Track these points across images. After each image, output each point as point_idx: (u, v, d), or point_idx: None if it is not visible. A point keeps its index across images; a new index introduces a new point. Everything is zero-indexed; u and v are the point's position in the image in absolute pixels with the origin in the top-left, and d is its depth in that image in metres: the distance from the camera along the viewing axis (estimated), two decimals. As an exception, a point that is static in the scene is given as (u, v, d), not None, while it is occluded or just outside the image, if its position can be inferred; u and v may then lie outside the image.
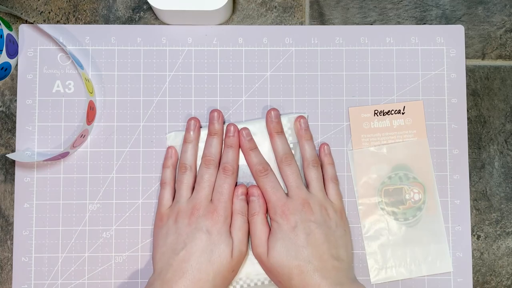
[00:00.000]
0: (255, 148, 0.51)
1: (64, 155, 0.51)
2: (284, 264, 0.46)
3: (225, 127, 0.52)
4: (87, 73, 0.53)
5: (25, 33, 0.54)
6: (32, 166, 0.52)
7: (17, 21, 0.54)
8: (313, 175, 0.50)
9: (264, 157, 0.51)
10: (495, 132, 0.54)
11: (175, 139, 0.52)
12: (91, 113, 0.51)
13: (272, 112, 0.51)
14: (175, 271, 0.45)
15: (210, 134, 0.51)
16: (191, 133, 0.51)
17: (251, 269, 0.51)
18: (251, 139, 0.51)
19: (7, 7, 0.54)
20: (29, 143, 0.53)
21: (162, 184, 0.51)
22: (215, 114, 0.52)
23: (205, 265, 0.45)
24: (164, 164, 0.52)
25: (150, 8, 0.54)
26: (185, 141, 0.52)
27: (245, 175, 0.52)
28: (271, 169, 0.51)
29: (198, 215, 0.47)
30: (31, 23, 0.54)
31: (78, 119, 0.53)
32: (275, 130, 0.51)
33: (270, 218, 0.49)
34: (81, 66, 0.52)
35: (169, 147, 0.52)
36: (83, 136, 0.51)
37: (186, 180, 0.50)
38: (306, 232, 0.47)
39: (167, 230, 0.48)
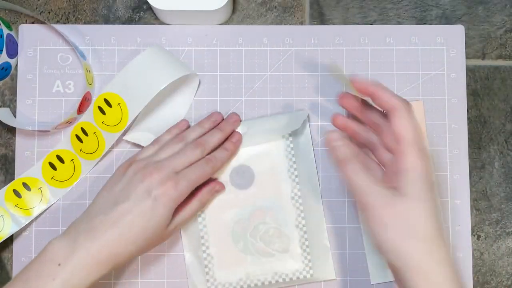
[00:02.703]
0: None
1: (44, 132, 0.52)
2: (422, 218, 0.40)
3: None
4: (89, 63, 0.53)
5: (25, 33, 0.54)
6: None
7: (17, 21, 0.54)
8: None
9: None
10: (495, 132, 0.54)
11: None
12: (85, 104, 0.51)
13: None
14: (106, 220, 0.44)
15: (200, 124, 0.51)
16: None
17: (252, 269, 0.51)
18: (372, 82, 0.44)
19: (6, 7, 0.54)
20: (29, 143, 0.53)
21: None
22: (217, 116, 0.52)
23: (137, 229, 0.44)
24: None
25: (150, 8, 0.54)
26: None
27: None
28: None
29: (155, 179, 0.45)
30: (43, 22, 0.54)
31: (78, 119, 0.53)
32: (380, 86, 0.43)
33: (405, 163, 0.41)
34: (83, 57, 0.52)
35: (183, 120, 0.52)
36: (69, 122, 0.51)
37: (173, 146, 0.48)
38: (431, 187, 0.41)
39: (120, 178, 0.46)
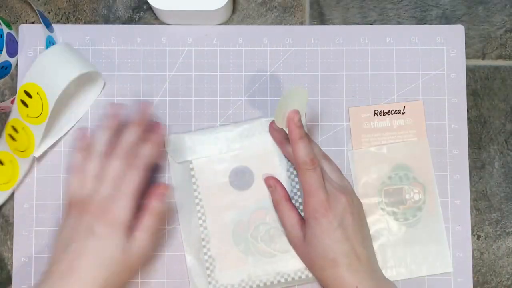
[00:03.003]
0: (304, 136, 0.46)
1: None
2: (319, 256, 0.46)
3: None
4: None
5: (25, 33, 0.54)
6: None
7: (17, 21, 0.54)
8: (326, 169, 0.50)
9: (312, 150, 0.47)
10: (495, 132, 0.54)
11: (173, 142, 0.52)
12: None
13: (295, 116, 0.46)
14: (65, 269, 0.43)
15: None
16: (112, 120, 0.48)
17: (253, 270, 0.51)
18: (301, 126, 0.46)
19: (7, 6, 0.54)
20: (29, 143, 0.53)
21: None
22: (145, 106, 0.51)
23: (95, 268, 0.43)
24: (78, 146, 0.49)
25: (150, 8, 0.54)
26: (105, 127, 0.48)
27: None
28: (319, 163, 0.47)
29: (92, 214, 0.44)
30: (46, 19, 0.53)
31: (78, 119, 0.53)
32: (299, 136, 0.46)
33: (306, 213, 0.47)
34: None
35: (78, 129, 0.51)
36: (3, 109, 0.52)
37: (93, 169, 0.46)
38: (343, 227, 0.46)
39: (66, 220, 0.46)
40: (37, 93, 0.47)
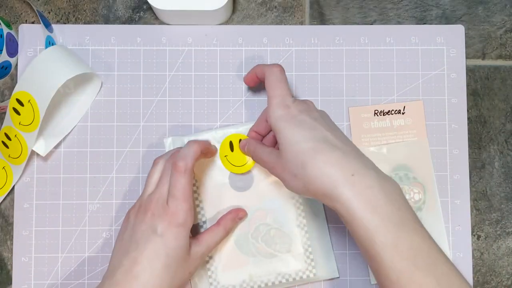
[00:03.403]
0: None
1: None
2: (294, 151, 0.41)
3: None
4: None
5: (25, 33, 0.54)
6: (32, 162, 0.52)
7: (17, 21, 0.54)
8: None
9: None
10: (495, 132, 0.54)
11: (172, 144, 0.52)
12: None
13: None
14: (126, 272, 0.42)
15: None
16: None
17: (254, 271, 0.51)
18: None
19: (7, 6, 0.54)
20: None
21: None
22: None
23: (158, 271, 0.42)
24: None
25: (150, 8, 0.54)
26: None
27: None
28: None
29: (154, 215, 0.44)
30: (46, 19, 0.53)
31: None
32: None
33: (271, 123, 0.44)
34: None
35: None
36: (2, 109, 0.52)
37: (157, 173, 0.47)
38: (311, 117, 0.43)
39: (126, 225, 0.45)
40: (29, 101, 0.48)
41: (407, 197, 0.52)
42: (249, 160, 0.51)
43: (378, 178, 0.39)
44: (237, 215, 0.50)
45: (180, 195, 0.43)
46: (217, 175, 0.52)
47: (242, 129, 0.52)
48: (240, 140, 0.51)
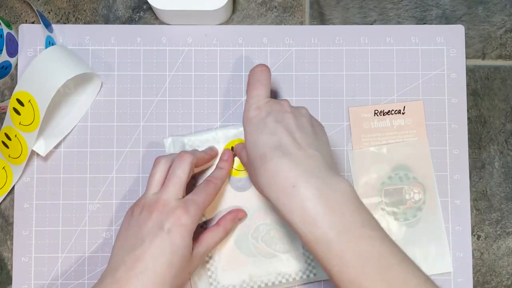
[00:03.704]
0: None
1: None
2: (252, 156, 0.41)
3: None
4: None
5: (25, 33, 0.53)
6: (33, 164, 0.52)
7: (17, 20, 0.54)
8: None
9: None
10: (495, 132, 0.54)
11: (172, 144, 0.52)
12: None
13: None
14: (128, 270, 0.41)
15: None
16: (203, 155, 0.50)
17: (254, 271, 0.51)
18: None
19: (6, 6, 0.54)
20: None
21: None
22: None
23: (161, 269, 0.41)
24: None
25: (150, 8, 0.54)
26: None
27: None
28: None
29: (163, 212, 0.43)
30: (46, 19, 0.53)
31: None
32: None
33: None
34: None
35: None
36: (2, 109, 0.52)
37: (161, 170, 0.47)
38: (277, 120, 0.42)
39: (129, 222, 0.44)
40: (29, 101, 0.48)
41: (407, 197, 0.52)
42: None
43: (319, 186, 0.38)
44: (236, 216, 0.50)
45: (202, 204, 0.45)
46: None
47: (242, 129, 0.52)
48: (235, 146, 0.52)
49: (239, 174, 0.52)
